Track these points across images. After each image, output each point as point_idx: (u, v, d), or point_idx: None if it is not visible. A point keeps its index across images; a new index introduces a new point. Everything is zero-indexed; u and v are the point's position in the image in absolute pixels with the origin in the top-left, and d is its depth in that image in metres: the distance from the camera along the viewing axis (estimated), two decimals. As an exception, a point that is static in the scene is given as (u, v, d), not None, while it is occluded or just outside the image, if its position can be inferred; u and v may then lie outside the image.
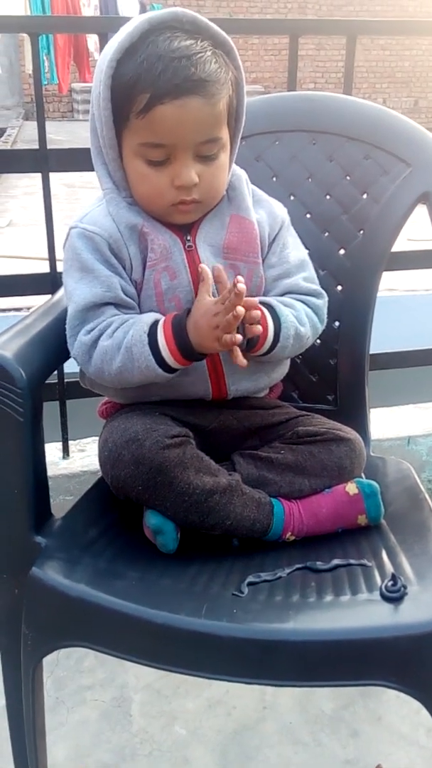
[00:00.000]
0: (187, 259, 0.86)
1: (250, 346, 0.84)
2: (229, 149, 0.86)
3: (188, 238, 0.87)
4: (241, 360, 0.79)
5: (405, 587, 0.71)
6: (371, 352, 1.09)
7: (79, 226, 0.85)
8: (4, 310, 2.74)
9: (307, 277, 0.94)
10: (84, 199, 4.87)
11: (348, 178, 1.07)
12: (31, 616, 0.78)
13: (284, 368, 0.98)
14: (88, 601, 0.73)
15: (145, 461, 0.78)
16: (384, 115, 1.07)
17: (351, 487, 0.85)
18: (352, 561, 0.78)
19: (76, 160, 1.29)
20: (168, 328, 0.81)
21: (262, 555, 0.81)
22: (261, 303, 0.87)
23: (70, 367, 0.98)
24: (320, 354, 1.08)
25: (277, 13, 10.64)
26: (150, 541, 0.82)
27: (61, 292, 0.94)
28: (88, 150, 0.88)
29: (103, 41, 1.23)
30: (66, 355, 0.89)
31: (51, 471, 1.35)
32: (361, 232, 1.06)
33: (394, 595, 0.71)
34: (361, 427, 1.02)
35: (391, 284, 3.07)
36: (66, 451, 1.47)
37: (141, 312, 0.86)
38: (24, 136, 8.01)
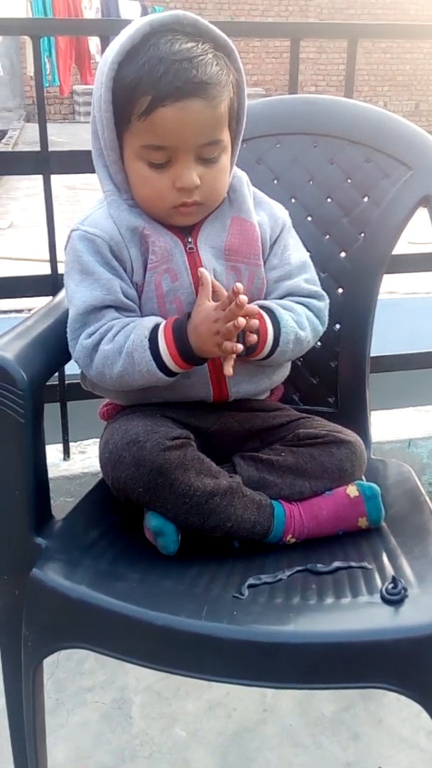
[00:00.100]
0: (188, 261, 0.86)
1: (249, 351, 0.84)
2: (230, 151, 0.86)
3: (189, 240, 0.87)
4: (229, 369, 0.79)
5: (405, 590, 0.71)
6: (372, 354, 1.09)
7: (80, 228, 0.86)
8: (5, 312, 2.74)
9: (309, 278, 0.94)
10: (85, 200, 4.88)
11: (349, 181, 1.07)
12: (32, 618, 0.78)
13: (285, 371, 0.98)
14: (88, 602, 0.73)
15: (146, 463, 0.78)
16: (385, 118, 1.07)
17: (351, 490, 0.85)
18: (352, 563, 0.78)
19: (77, 162, 1.30)
20: (169, 333, 0.81)
21: (263, 557, 0.81)
22: (260, 306, 0.87)
23: (71, 368, 0.98)
24: (321, 356, 1.08)
25: (279, 16, 10.67)
26: (151, 542, 0.82)
27: (62, 294, 0.95)
28: (89, 152, 0.88)
29: (104, 44, 1.23)
30: (67, 357, 0.89)
31: (51, 472, 1.34)
32: (362, 235, 1.06)
33: (394, 598, 0.71)
34: (362, 429, 1.02)
35: (391, 287, 3.07)
36: (67, 453, 1.48)
37: (142, 314, 0.87)
38: (25, 138, 8.03)
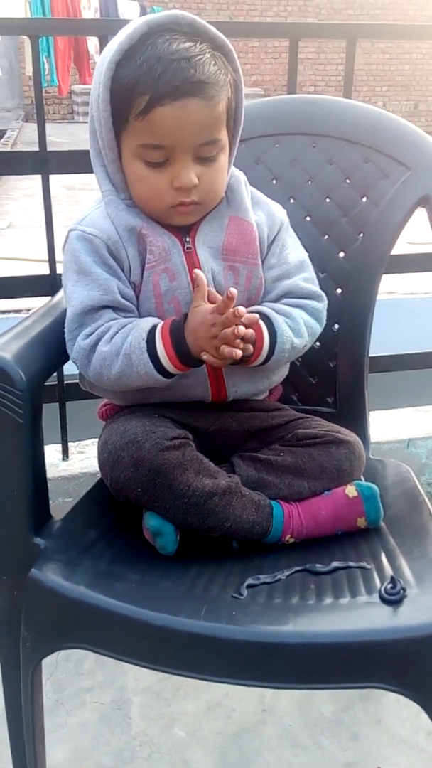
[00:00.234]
0: (186, 261, 0.86)
1: (244, 358, 0.84)
2: (228, 151, 0.86)
3: (187, 239, 0.87)
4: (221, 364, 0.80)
5: (404, 590, 0.71)
6: (371, 354, 1.09)
7: (78, 228, 0.86)
8: (3, 312, 2.74)
9: (307, 278, 0.94)
10: (84, 200, 4.88)
11: (348, 181, 1.07)
12: (31, 618, 0.78)
13: (284, 371, 0.98)
14: (87, 602, 0.73)
15: (145, 463, 0.78)
16: (384, 118, 1.07)
17: (350, 490, 0.85)
18: (351, 563, 0.78)
19: (76, 161, 1.29)
20: (166, 335, 0.81)
21: (262, 557, 0.81)
22: (258, 313, 0.87)
23: (70, 369, 0.98)
24: (320, 356, 1.08)
25: (278, 16, 10.66)
26: (149, 543, 0.82)
27: (60, 294, 0.95)
28: (88, 152, 0.88)
29: (103, 44, 1.23)
30: (66, 357, 0.89)
31: (50, 473, 1.34)
32: (361, 235, 1.06)
33: (393, 598, 0.71)
34: (361, 429, 1.02)
35: (390, 287, 3.07)
36: (65, 453, 1.47)
37: (140, 314, 0.87)
38: (24, 138, 8.02)
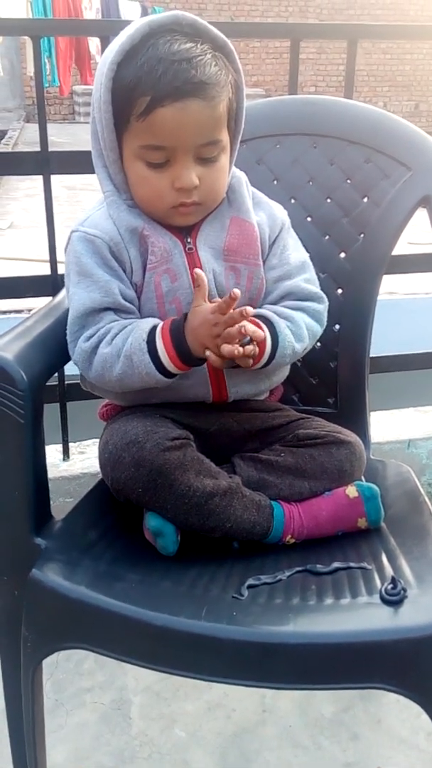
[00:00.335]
0: (187, 261, 0.86)
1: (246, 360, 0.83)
2: (229, 152, 0.86)
3: (189, 240, 0.87)
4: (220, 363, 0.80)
5: (405, 590, 0.71)
6: (371, 355, 1.09)
7: (80, 229, 0.86)
8: (4, 312, 2.74)
9: (308, 278, 0.94)
10: (85, 201, 4.88)
11: (349, 181, 1.07)
12: (31, 618, 0.78)
13: (285, 372, 0.98)
14: (88, 603, 0.73)
15: (146, 463, 0.79)
16: (384, 119, 1.07)
17: (351, 490, 0.85)
18: (352, 564, 0.78)
19: (77, 162, 1.30)
20: (167, 335, 0.81)
21: (262, 558, 0.81)
22: (260, 316, 0.87)
23: (71, 369, 0.98)
24: (320, 357, 1.08)
25: (278, 16, 10.67)
26: (150, 543, 0.82)
27: (62, 294, 0.95)
28: (89, 152, 0.88)
29: (104, 44, 1.23)
30: (67, 358, 0.89)
31: (51, 473, 1.34)
32: (362, 235, 1.06)
33: (393, 599, 0.71)
34: (362, 430, 1.02)
35: (391, 288, 3.07)
36: (66, 453, 1.47)
37: (141, 314, 0.87)
38: (25, 138, 8.03)
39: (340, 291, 1.07)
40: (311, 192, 1.08)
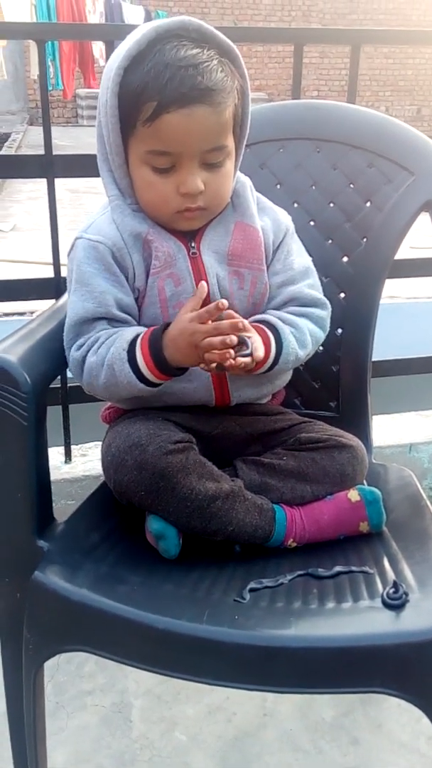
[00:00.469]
0: (191, 266, 0.86)
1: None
2: (234, 157, 0.86)
3: (192, 244, 0.87)
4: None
5: (407, 594, 0.71)
6: (373, 359, 1.09)
7: (84, 236, 0.86)
8: (7, 315, 2.75)
9: (312, 284, 0.94)
10: (88, 204, 4.89)
11: (352, 186, 1.07)
12: (33, 620, 0.78)
13: (287, 376, 0.98)
14: (89, 605, 0.73)
15: (148, 466, 0.79)
16: (387, 123, 1.08)
17: (353, 494, 0.85)
18: (353, 568, 0.79)
19: (81, 165, 1.30)
20: (145, 344, 0.81)
21: (264, 561, 0.81)
22: (265, 322, 0.87)
23: (73, 371, 0.99)
24: (322, 361, 1.08)
25: (281, 21, 10.69)
26: (152, 546, 0.82)
27: (65, 298, 0.95)
28: (93, 156, 0.88)
29: (109, 48, 1.23)
30: (69, 360, 0.89)
31: (53, 475, 1.34)
32: (365, 239, 1.06)
33: (395, 603, 0.71)
34: (363, 434, 1.03)
35: (393, 292, 3.07)
36: (68, 456, 1.48)
37: (144, 319, 0.87)
38: (28, 141, 8.05)
39: (342, 295, 1.07)
40: (314, 196, 1.09)
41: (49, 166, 1.29)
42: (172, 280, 0.86)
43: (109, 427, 0.91)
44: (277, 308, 0.92)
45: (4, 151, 7.03)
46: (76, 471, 1.44)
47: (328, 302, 0.96)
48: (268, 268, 0.91)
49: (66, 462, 1.47)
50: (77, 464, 1.47)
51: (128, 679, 1.17)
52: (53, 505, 0.88)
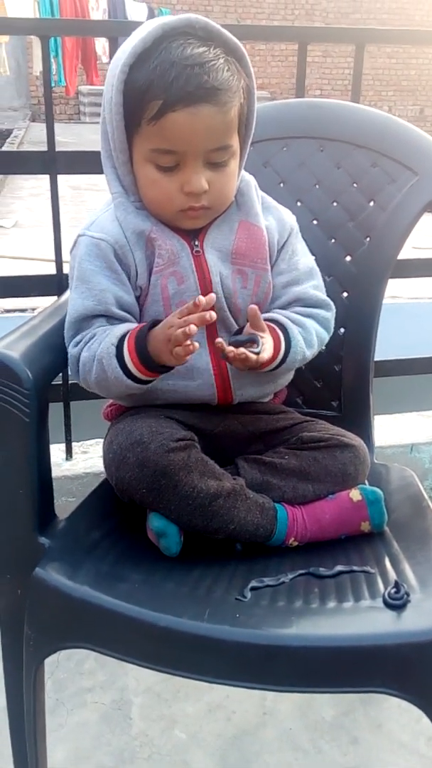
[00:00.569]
0: (194, 264, 0.86)
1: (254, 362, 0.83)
2: (239, 156, 0.86)
3: (196, 242, 0.87)
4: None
5: (408, 595, 0.71)
6: (375, 359, 1.09)
7: (87, 233, 0.86)
8: (8, 311, 2.75)
9: (317, 285, 0.95)
10: (89, 201, 4.89)
11: (355, 185, 1.07)
12: (34, 617, 0.78)
13: (290, 374, 0.98)
14: (90, 602, 0.73)
15: (150, 464, 0.79)
16: (391, 123, 1.07)
17: (355, 494, 0.85)
18: (355, 568, 0.78)
19: (84, 162, 1.30)
20: (131, 341, 0.81)
21: (265, 560, 0.81)
22: (275, 321, 0.87)
23: (75, 369, 0.98)
24: (325, 360, 1.08)
25: (284, 19, 10.68)
26: (153, 544, 0.82)
27: (67, 294, 0.95)
28: (96, 153, 0.88)
29: (112, 45, 1.23)
30: (71, 357, 0.89)
31: (53, 472, 1.34)
32: (368, 239, 1.06)
33: (397, 603, 0.71)
34: (365, 433, 1.02)
35: (394, 292, 3.07)
36: (69, 453, 1.48)
37: (147, 317, 0.87)
38: (30, 138, 8.05)
39: (345, 294, 1.07)
40: (317, 195, 1.09)
41: (52, 163, 1.28)
42: (175, 278, 0.85)
43: (111, 425, 0.91)
44: (282, 308, 0.92)
45: (6, 148, 7.03)
46: (76, 468, 1.44)
47: (332, 303, 0.96)
48: (272, 267, 0.91)
49: (67, 459, 1.47)
50: (78, 461, 1.47)
51: (128, 677, 1.17)
52: (54, 502, 0.87)
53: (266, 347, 0.82)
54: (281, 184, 1.09)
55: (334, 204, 1.08)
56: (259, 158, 1.08)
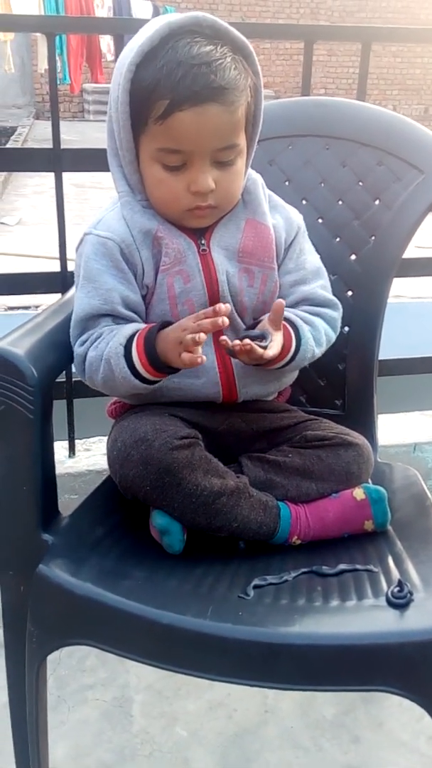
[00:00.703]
0: (201, 263, 0.86)
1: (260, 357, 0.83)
2: (246, 154, 0.86)
3: (202, 241, 0.87)
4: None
5: (411, 594, 0.71)
6: (378, 358, 1.09)
7: (93, 232, 0.86)
8: (12, 308, 2.75)
9: (324, 285, 0.95)
10: (93, 199, 4.89)
11: (360, 184, 1.07)
12: (37, 614, 0.78)
13: (294, 373, 0.98)
14: (94, 599, 0.73)
15: (154, 461, 0.79)
16: (397, 121, 1.07)
17: (358, 493, 0.85)
18: (358, 566, 0.79)
19: (89, 160, 1.30)
20: (140, 341, 0.81)
21: (268, 558, 0.81)
22: (286, 319, 0.87)
23: (78, 366, 0.98)
24: (329, 359, 1.07)
25: (289, 18, 10.65)
26: (156, 541, 0.82)
27: (72, 292, 0.95)
28: (101, 150, 0.88)
29: (117, 43, 1.23)
30: (75, 355, 0.89)
31: (57, 469, 1.34)
32: (373, 238, 1.06)
33: (400, 602, 0.71)
34: (369, 432, 1.02)
35: (398, 291, 3.06)
36: (72, 450, 1.48)
37: (153, 316, 0.87)
38: (35, 135, 8.04)
39: (350, 293, 1.07)
40: (323, 194, 1.09)
41: (57, 160, 1.28)
42: (182, 277, 0.85)
43: (115, 422, 0.91)
44: (290, 307, 0.92)
45: (11, 145, 7.03)
46: (79, 465, 1.44)
47: (339, 303, 0.96)
48: (279, 266, 0.91)
49: (70, 456, 1.47)
50: (81, 459, 1.47)
51: (129, 674, 1.17)
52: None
53: (274, 345, 0.82)
54: (287, 183, 1.09)
55: (340, 202, 1.08)
56: (264, 156, 1.08)
